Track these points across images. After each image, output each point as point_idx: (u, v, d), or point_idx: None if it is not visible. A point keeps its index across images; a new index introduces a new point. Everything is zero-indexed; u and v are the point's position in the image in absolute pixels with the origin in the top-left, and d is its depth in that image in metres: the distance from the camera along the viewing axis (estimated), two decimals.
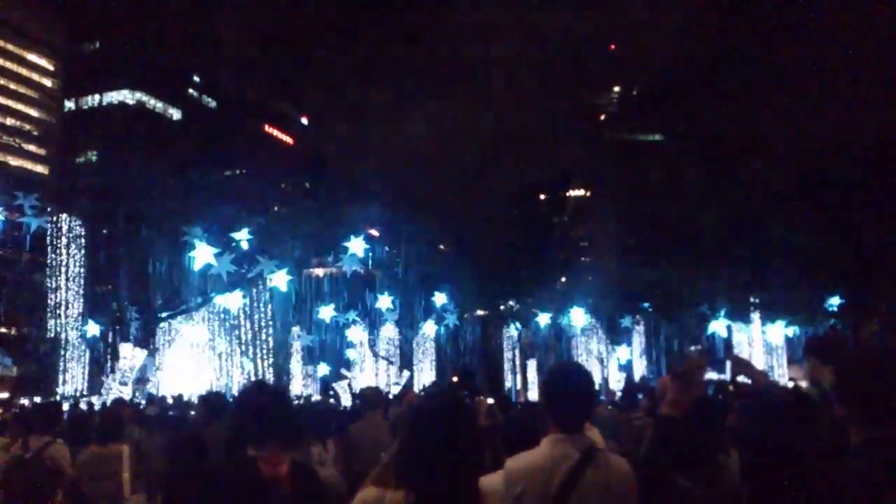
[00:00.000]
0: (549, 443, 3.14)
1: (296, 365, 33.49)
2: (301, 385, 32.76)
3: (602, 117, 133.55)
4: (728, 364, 2.88)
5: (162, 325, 30.38)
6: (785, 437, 2.35)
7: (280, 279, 28.42)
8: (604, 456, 3.17)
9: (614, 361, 44.91)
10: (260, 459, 3.18)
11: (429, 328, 38.12)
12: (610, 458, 3.22)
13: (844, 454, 2.18)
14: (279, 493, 3.16)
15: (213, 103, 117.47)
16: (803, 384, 6.14)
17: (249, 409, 3.42)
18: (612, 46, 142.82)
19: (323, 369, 35.87)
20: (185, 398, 20.64)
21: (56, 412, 8.53)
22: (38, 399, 29.71)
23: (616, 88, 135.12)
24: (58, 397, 27.35)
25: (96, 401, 22.68)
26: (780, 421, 2.42)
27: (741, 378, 2.88)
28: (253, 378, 31.09)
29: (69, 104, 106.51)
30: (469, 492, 2.64)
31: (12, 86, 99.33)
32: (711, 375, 2.90)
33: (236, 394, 20.40)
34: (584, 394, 3.30)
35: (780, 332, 40.22)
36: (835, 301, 40.29)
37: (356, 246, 28.82)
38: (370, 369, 34.40)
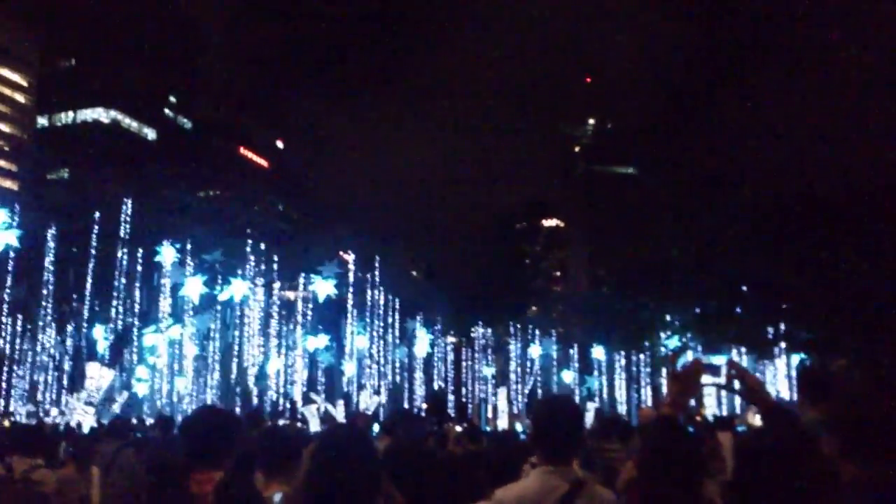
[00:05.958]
0: (538, 475, 3.19)
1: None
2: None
3: (577, 149, 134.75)
4: (723, 368, 2.99)
5: (131, 344, 30.04)
6: (782, 474, 2.38)
7: (238, 289, 28.59)
8: (591, 488, 3.23)
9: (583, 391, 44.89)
10: (192, 478, 3.38)
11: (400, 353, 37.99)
12: (597, 489, 3.29)
13: (837, 490, 2.21)
14: None
15: (188, 124, 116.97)
16: None
17: (183, 431, 3.80)
18: (588, 79, 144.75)
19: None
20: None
21: (40, 434, 8.31)
22: None
23: (591, 121, 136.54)
24: (20, 416, 26.86)
25: (60, 420, 22.31)
26: (777, 457, 2.45)
27: (737, 384, 2.97)
28: (215, 399, 30.81)
29: (42, 121, 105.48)
30: None
31: None
32: (707, 378, 3.01)
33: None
34: (573, 427, 3.37)
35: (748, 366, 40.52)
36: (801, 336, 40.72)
37: (324, 287, 29.23)
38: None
